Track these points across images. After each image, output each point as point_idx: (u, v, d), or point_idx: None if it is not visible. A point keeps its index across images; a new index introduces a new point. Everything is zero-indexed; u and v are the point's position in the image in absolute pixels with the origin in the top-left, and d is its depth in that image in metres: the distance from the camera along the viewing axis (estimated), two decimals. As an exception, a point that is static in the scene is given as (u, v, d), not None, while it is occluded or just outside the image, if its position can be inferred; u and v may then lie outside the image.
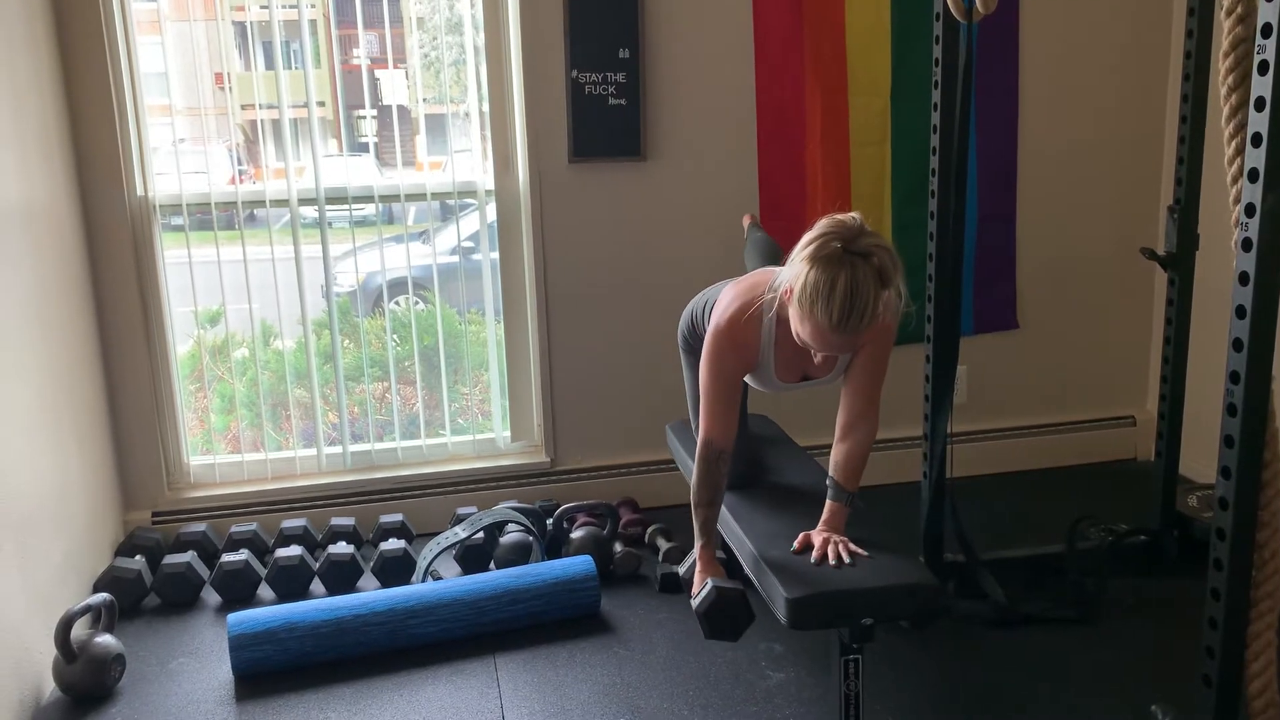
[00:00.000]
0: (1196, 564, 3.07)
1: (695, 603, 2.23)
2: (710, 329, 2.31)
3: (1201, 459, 3.50)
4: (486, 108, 3.56)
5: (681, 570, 2.44)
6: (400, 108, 3.77)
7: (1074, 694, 2.57)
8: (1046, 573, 3.09)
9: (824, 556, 2.20)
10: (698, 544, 2.31)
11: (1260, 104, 1.74)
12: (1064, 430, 4.14)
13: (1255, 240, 1.78)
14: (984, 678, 2.68)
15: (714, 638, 2.23)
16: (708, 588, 2.20)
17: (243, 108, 3.67)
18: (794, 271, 2.02)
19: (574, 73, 3.46)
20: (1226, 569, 1.91)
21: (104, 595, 2.76)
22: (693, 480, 2.31)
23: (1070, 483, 3.99)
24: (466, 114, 3.67)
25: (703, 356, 2.31)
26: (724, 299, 2.34)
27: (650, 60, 3.52)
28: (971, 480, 3.64)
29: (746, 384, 2.58)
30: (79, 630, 2.68)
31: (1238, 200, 1.83)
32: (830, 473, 2.33)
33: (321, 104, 3.67)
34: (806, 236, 2.04)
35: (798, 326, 2.06)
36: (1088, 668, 2.69)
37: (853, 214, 2.04)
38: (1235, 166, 1.83)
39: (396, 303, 3.91)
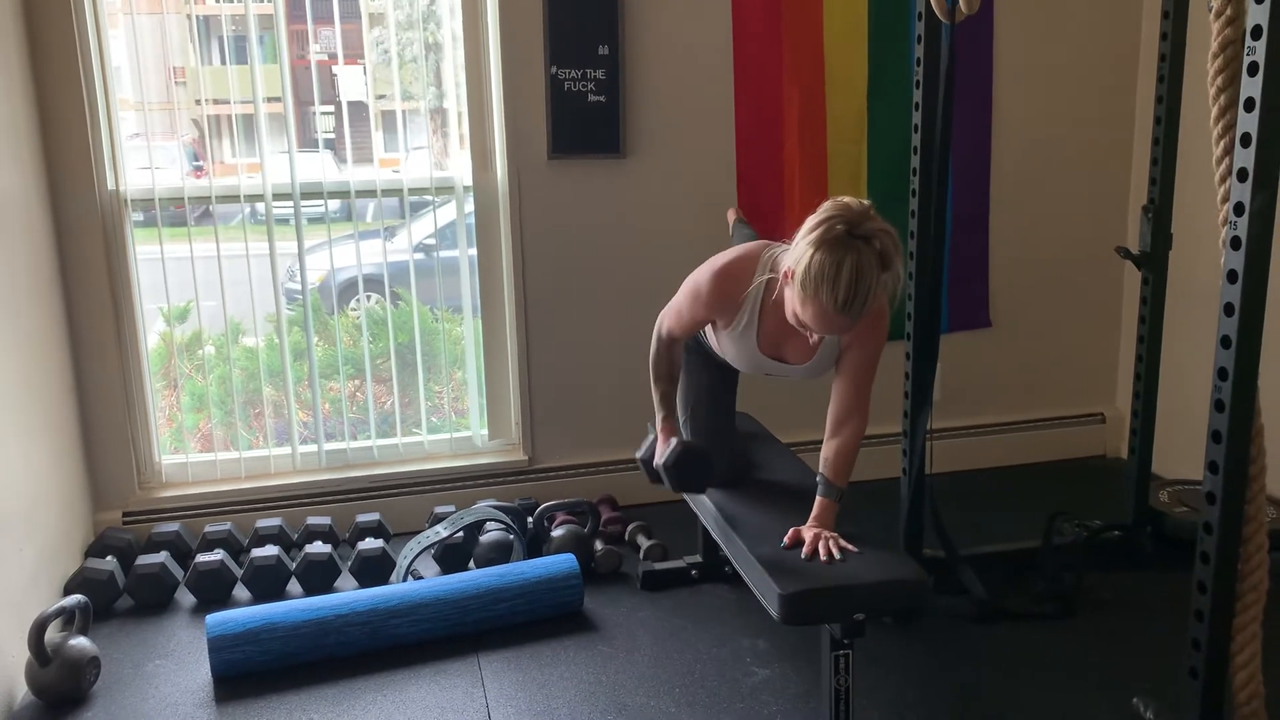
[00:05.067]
0: (1169, 559, 3.16)
1: (662, 459, 2.37)
2: (704, 266, 2.40)
3: (1169, 456, 3.56)
4: (465, 104, 3.53)
5: (640, 453, 2.53)
6: (377, 101, 3.73)
7: (1056, 687, 2.60)
8: (1024, 568, 3.13)
9: (814, 552, 2.21)
10: (658, 416, 2.48)
11: (1250, 104, 1.77)
12: (1035, 427, 4.19)
13: (1244, 239, 1.81)
14: (966, 672, 2.70)
15: (682, 490, 2.40)
16: (673, 444, 2.37)
17: (215, 102, 3.60)
18: (797, 253, 2.04)
19: (553, 69, 3.45)
20: (1213, 562, 1.94)
21: (78, 597, 2.70)
22: (650, 358, 2.50)
23: (1042, 479, 4.05)
24: (445, 109, 3.64)
25: (684, 285, 2.44)
26: (726, 251, 2.42)
27: (630, 57, 3.52)
28: (946, 476, 3.67)
29: (734, 377, 2.61)
30: (51, 633, 2.62)
31: (1226, 199, 1.86)
32: (820, 469, 2.34)
33: (286, 98, 3.61)
34: (812, 219, 2.06)
35: (798, 308, 2.07)
36: (1067, 661, 2.72)
37: (861, 199, 2.07)
38: (1224, 166, 1.87)
39: (369, 296, 3.87)
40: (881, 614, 2.32)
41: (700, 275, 2.40)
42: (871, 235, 2.01)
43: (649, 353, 2.53)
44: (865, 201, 2.07)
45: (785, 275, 2.12)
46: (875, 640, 2.78)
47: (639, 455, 2.53)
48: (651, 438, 2.52)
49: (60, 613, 2.63)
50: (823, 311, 2.03)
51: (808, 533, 2.26)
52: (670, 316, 2.50)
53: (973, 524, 3.41)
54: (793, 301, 2.10)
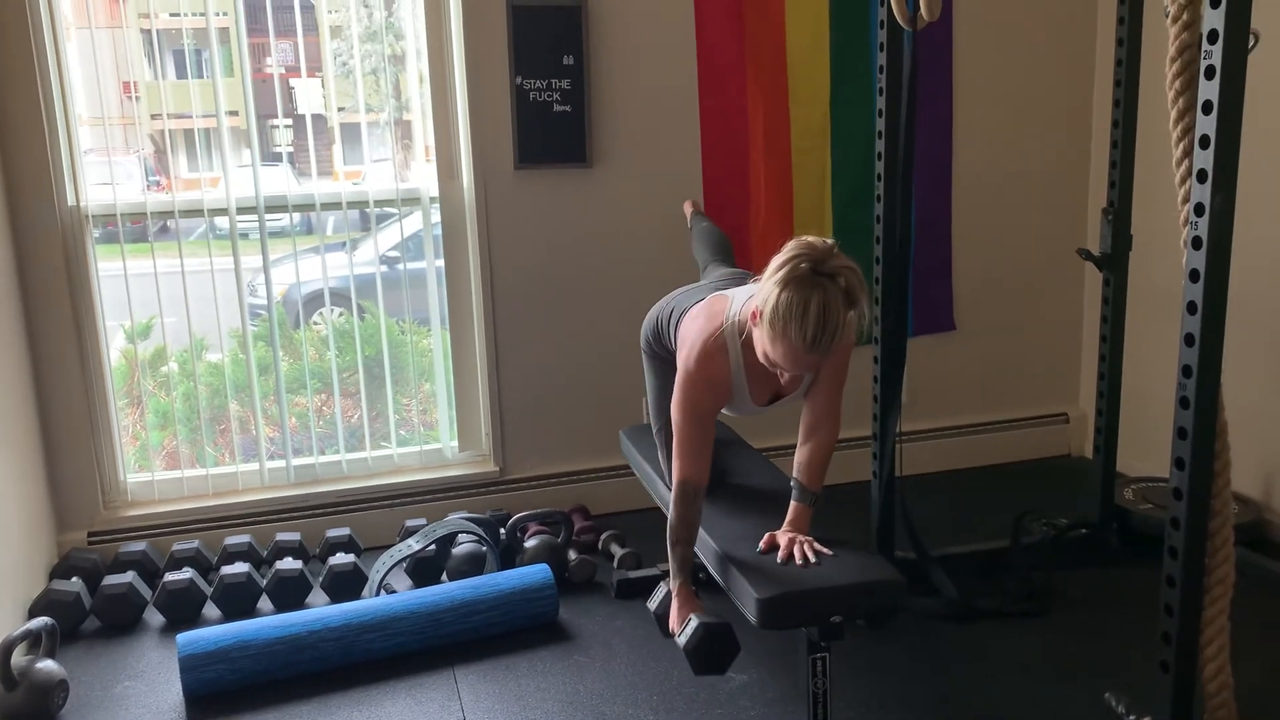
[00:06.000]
0: (1135, 555, 3.21)
1: (682, 641, 2.20)
2: (680, 372, 2.31)
3: (1132, 454, 3.61)
4: (430, 115, 3.52)
5: (653, 606, 2.40)
6: (339, 114, 3.71)
7: (1029, 683, 2.63)
8: (994, 567, 3.16)
9: (790, 556, 2.22)
10: (675, 580, 2.28)
11: (1208, 107, 1.81)
12: (1000, 428, 4.24)
13: (1205, 238, 1.85)
14: (941, 671, 2.73)
15: (703, 673, 2.20)
16: (693, 625, 2.17)
17: (172, 116, 3.57)
18: (764, 294, 2.05)
19: (518, 79, 3.45)
20: (1181, 557, 1.97)
21: (44, 619, 2.65)
22: (670, 518, 2.29)
23: (1008, 479, 4.09)
24: (407, 121, 3.63)
25: (675, 400, 2.31)
26: (686, 336, 2.35)
27: (595, 67, 3.53)
28: (914, 479, 3.70)
29: None
30: (18, 657, 2.58)
31: (1186, 200, 1.89)
32: (794, 474, 2.35)
33: (249, 111, 3.58)
34: (776, 259, 2.06)
35: (767, 348, 2.08)
36: (1039, 658, 2.75)
37: (825, 238, 2.08)
38: (1184, 168, 1.90)
39: (333, 309, 3.84)
40: (859, 616, 2.32)
41: (684, 387, 2.29)
42: (836, 272, 2.02)
43: (668, 523, 2.28)
44: (829, 240, 2.08)
45: (753, 316, 2.12)
46: (850, 642, 2.77)
47: (653, 610, 2.40)
48: (665, 591, 2.34)
49: (26, 635, 2.59)
50: (792, 349, 2.03)
51: (783, 537, 2.27)
52: (682, 459, 2.26)
53: (942, 525, 3.45)
54: (762, 341, 2.10)
